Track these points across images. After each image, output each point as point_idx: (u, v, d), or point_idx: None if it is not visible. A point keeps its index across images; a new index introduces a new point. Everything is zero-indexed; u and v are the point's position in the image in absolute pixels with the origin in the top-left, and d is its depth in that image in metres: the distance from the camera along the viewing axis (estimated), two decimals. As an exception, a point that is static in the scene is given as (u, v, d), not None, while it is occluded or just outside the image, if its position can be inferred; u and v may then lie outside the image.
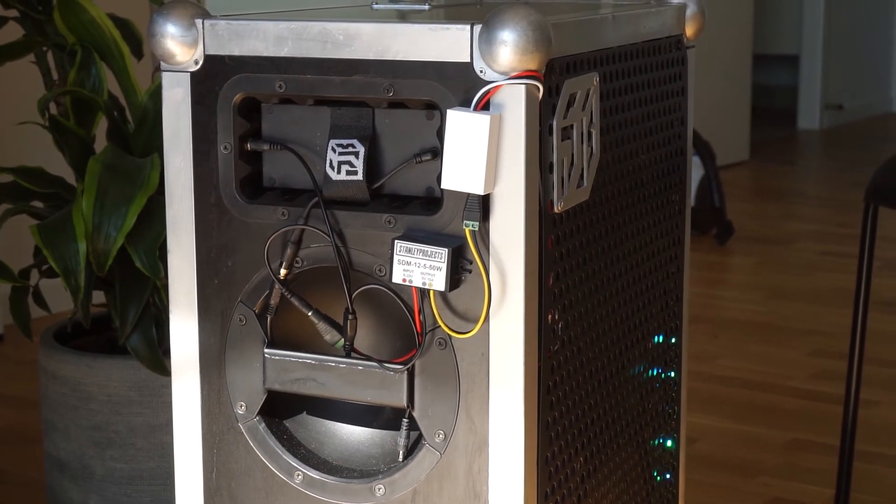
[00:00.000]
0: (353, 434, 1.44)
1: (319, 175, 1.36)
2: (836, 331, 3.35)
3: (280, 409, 1.43)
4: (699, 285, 3.79)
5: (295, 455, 1.42)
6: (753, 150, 5.95)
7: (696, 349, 3.16)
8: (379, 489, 1.38)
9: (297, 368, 1.39)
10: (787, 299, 3.75)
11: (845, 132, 6.79)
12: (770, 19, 7.23)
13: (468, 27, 1.27)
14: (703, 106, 4.65)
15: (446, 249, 1.28)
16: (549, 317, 1.34)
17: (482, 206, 1.27)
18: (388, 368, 1.35)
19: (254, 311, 1.40)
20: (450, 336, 1.32)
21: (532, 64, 1.25)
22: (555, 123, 1.31)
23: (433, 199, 1.33)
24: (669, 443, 1.72)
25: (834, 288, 3.81)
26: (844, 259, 4.07)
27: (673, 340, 1.71)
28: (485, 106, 1.26)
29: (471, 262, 1.29)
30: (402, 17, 1.46)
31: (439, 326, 1.31)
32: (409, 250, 1.29)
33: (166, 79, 1.40)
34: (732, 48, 5.62)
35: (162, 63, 1.40)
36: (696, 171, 4.30)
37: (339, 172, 1.34)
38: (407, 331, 1.35)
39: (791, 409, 2.84)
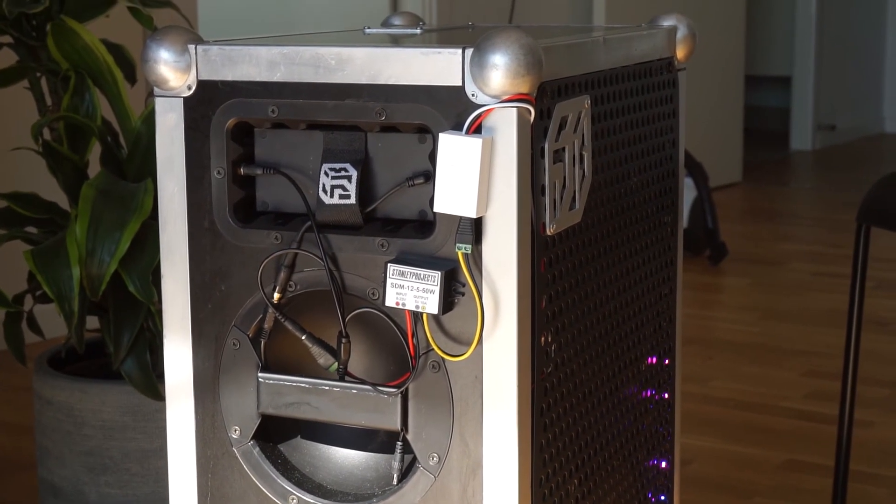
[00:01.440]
0: (347, 458, 1.44)
1: (312, 199, 1.36)
2: (829, 351, 3.35)
3: (274, 433, 1.43)
4: (693, 306, 3.80)
5: (289, 479, 1.42)
6: (746, 171, 5.96)
7: (690, 370, 3.16)
8: (373, 513, 1.38)
9: (290, 392, 1.39)
10: (780, 320, 3.75)
11: (838, 153, 6.80)
12: (762, 41, 7.25)
13: (460, 51, 1.28)
14: (695, 127, 4.66)
15: (439, 272, 1.28)
16: (543, 339, 1.35)
17: (475, 228, 1.28)
18: (382, 392, 1.35)
19: (247, 336, 1.40)
20: (443, 359, 1.32)
21: (523, 87, 1.26)
22: (546, 146, 1.31)
23: (426, 223, 1.34)
24: (664, 464, 1.72)
25: (827, 308, 3.81)
26: (838, 279, 4.08)
27: (666, 362, 1.71)
28: (477, 129, 1.27)
29: (464, 285, 1.30)
30: (394, 41, 1.47)
31: (433, 349, 1.32)
32: (402, 273, 1.29)
33: (159, 104, 1.41)
34: (724, 70, 5.64)
35: (155, 88, 1.40)
36: (688, 192, 4.30)
37: (331, 196, 1.35)
38: (400, 354, 1.35)
39: (785, 430, 2.84)
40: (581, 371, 1.45)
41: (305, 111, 1.35)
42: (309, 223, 1.35)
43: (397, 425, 1.35)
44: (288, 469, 1.42)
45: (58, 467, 2.19)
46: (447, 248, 1.30)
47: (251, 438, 1.42)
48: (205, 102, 1.38)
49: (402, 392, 1.34)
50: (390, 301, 1.30)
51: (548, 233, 1.33)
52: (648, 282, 1.63)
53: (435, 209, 1.28)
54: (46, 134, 2.24)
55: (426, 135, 1.32)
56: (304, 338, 1.38)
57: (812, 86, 6.76)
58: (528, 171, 1.29)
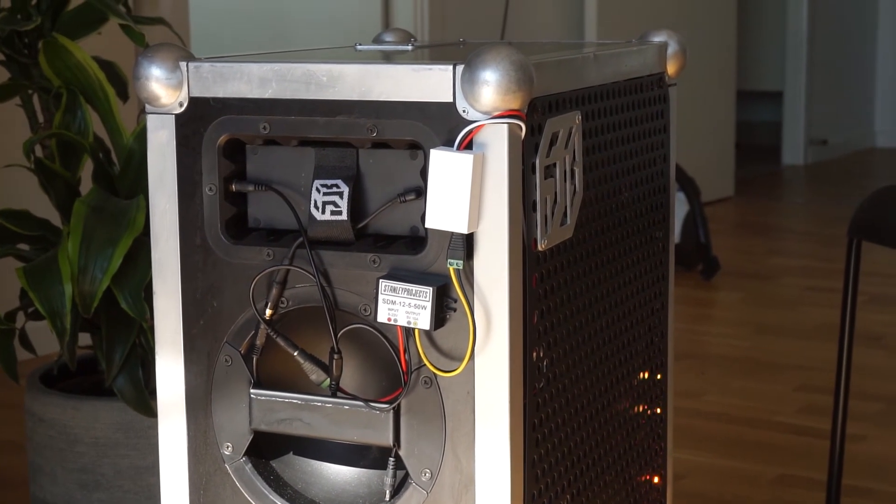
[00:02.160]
0: (339, 474, 1.44)
1: (304, 215, 1.36)
2: (822, 365, 3.35)
3: (266, 449, 1.43)
4: (685, 321, 3.80)
5: (282, 496, 1.42)
6: (738, 185, 5.97)
7: (683, 385, 3.16)
8: (366, 529, 1.37)
9: (283, 409, 1.39)
10: (773, 334, 3.75)
11: (830, 167, 6.81)
12: (753, 56, 7.27)
13: (451, 67, 1.28)
14: (687, 142, 4.66)
15: (431, 288, 1.28)
16: (534, 354, 1.35)
17: (466, 244, 1.28)
18: (374, 408, 1.35)
19: (239, 352, 1.40)
20: (435, 375, 1.32)
21: (514, 103, 1.26)
22: (537, 162, 1.32)
23: (417, 239, 1.34)
24: (656, 479, 1.72)
25: (819, 323, 3.81)
26: (830, 294, 4.08)
27: (659, 377, 1.71)
28: (468, 145, 1.27)
29: (455, 301, 1.30)
30: (386, 57, 1.47)
31: (424, 365, 1.32)
32: (394, 289, 1.30)
33: (151, 121, 1.41)
34: (716, 85, 5.65)
35: (147, 105, 1.41)
36: (681, 207, 4.31)
37: (323, 212, 1.35)
38: (393, 370, 1.35)
39: (778, 445, 2.84)
40: (573, 386, 1.45)
41: (297, 128, 1.35)
42: (301, 239, 1.35)
43: (389, 441, 1.35)
44: (280, 485, 1.42)
45: (50, 485, 2.19)
46: (439, 263, 1.30)
47: (243, 455, 1.42)
48: (196, 119, 1.39)
49: (394, 408, 1.34)
50: (382, 317, 1.30)
51: (539, 248, 1.34)
52: (640, 297, 1.63)
53: (426, 225, 1.28)
54: (38, 151, 2.24)
55: (417, 151, 1.33)
56: (296, 354, 1.38)
57: (804, 101, 6.78)
58: (520, 187, 1.29)
